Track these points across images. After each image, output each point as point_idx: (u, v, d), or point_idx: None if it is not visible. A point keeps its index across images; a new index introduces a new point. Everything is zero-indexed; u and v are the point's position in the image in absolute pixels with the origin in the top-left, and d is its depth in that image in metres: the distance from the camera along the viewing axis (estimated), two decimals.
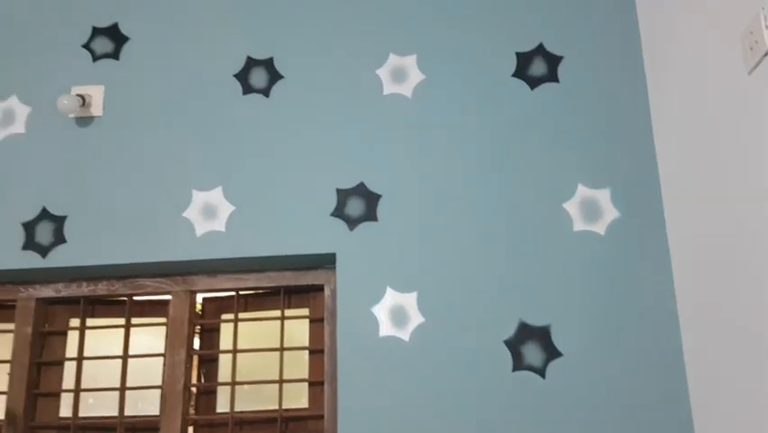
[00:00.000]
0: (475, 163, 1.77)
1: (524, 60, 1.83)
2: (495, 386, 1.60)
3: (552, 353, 1.62)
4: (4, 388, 1.79)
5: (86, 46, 1.91)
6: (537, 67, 1.82)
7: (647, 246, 1.67)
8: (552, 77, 1.81)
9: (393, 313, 1.68)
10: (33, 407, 1.81)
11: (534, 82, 1.81)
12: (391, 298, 1.69)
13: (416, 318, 1.67)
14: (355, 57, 1.86)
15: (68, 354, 1.87)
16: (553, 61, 1.82)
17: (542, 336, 1.63)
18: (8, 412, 1.76)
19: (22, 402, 1.77)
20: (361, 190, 1.77)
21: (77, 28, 1.92)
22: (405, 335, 1.66)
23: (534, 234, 1.70)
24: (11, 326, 1.85)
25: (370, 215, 1.75)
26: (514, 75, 1.82)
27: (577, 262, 1.68)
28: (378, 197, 1.76)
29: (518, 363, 1.62)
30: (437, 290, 1.68)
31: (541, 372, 1.61)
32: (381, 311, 1.68)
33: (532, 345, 1.63)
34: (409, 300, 1.68)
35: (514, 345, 1.63)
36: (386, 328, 1.67)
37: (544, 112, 1.79)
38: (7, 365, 1.81)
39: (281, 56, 1.88)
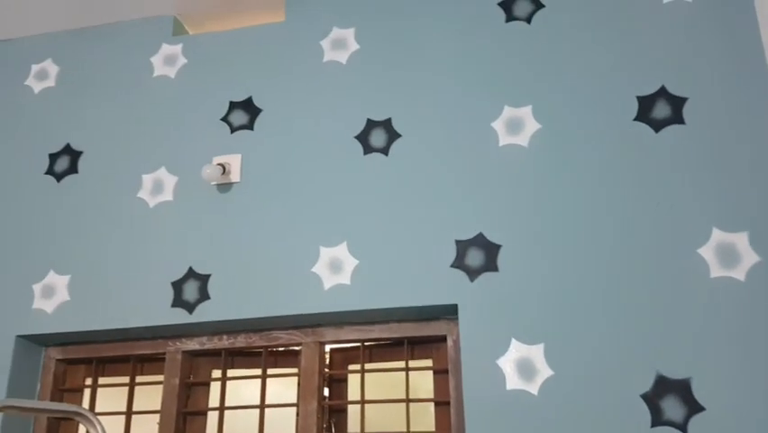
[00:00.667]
0: (599, 210, 1.73)
1: (646, 103, 1.79)
2: None
3: (693, 407, 1.52)
4: None
5: (225, 119, 2.11)
6: (661, 109, 1.78)
7: None
8: (677, 118, 1.76)
9: (519, 365, 1.66)
10: None
11: (658, 125, 1.77)
12: (516, 350, 1.67)
13: (545, 371, 1.64)
14: (469, 111, 1.92)
15: (210, 404, 2.01)
16: (678, 103, 1.77)
17: (682, 389, 1.54)
18: None
19: None
20: (481, 241, 1.79)
21: (217, 103, 2.13)
22: (533, 388, 1.63)
23: (668, 282, 1.63)
24: (160, 377, 2.02)
25: (491, 265, 1.76)
26: (636, 119, 1.79)
27: (716, 310, 1.58)
28: (498, 247, 1.77)
29: (657, 419, 1.53)
30: (565, 341, 1.64)
31: (682, 427, 1.51)
32: (507, 363, 1.67)
33: (671, 399, 1.54)
34: (536, 352, 1.66)
35: (651, 399, 1.55)
36: (513, 381, 1.65)
37: (670, 155, 1.73)
38: (157, 416, 1.97)
39: (399, 116, 1.97)
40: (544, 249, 1.74)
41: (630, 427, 1.54)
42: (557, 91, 1.87)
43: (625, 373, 1.58)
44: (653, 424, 1.53)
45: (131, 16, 2.27)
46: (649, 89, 1.80)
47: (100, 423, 1.70)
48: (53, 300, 2.01)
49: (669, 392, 1.54)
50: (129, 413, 2.00)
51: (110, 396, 2.08)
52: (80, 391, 2.08)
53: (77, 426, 2.07)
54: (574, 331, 1.65)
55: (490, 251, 1.77)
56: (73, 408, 1.69)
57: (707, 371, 1.54)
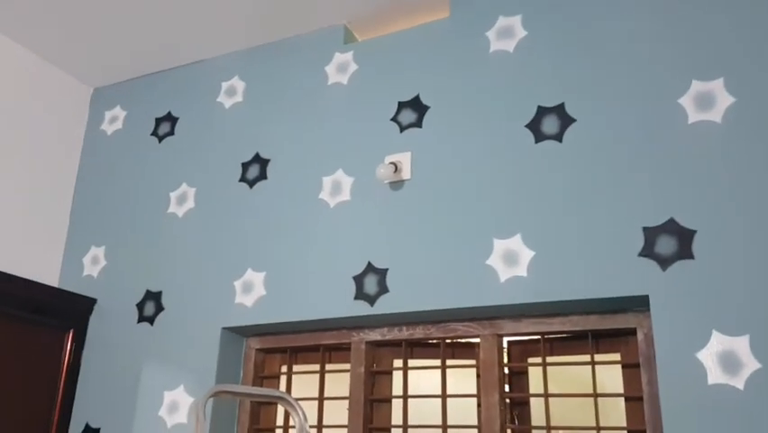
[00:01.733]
0: None
1: None
2: None
3: None
4: (345, 422, 2.07)
5: (394, 119, 2.18)
6: None
7: None
8: None
9: (722, 359, 1.53)
10: None
11: None
12: (718, 342, 1.55)
13: (751, 364, 1.50)
14: (652, 89, 1.80)
15: (394, 390, 2.09)
16: None
17: None
18: None
19: None
20: (672, 227, 1.67)
21: (386, 104, 2.20)
22: (739, 383, 1.50)
23: None
24: (346, 366, 2.15)
25: (685, 252, 1.64)
26: None
27: None
28: (692, 232, 1.65)
29: None
30: None
31: None
32: (708, 357, 1.55)
33: None
34: (741, 344, 1.52)
35: None
36: (715, 375, 1.53)
37: None
38: (346, 401, 2.09)
39: (572, 100, 1.91)
40: (743, 232, 1.59)
41: None
42: (752, 60, 1.69)
43: None
44: None
45: (305, 29, 2.43)
46: None
47: (301, 408, 1.84)
48: (252, 295, 2.21)
49: None
50: (321, 399, 2.14)
51: (302, 383, 2.25)
52: (277, 377, 2.26)
53: (276, 411, 2.26)
54: None
55: (684, 237, 1.65)
56: (278, 393, 1.84)
57: None
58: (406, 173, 2.09)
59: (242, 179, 2.38)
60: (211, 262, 2.32)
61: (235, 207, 2.36)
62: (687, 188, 1.69)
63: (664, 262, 1.66)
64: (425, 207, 2.03)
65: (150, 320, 2.35)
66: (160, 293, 2.37)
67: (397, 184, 2.10)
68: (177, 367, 2.24)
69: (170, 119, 2.62)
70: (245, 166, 2.38)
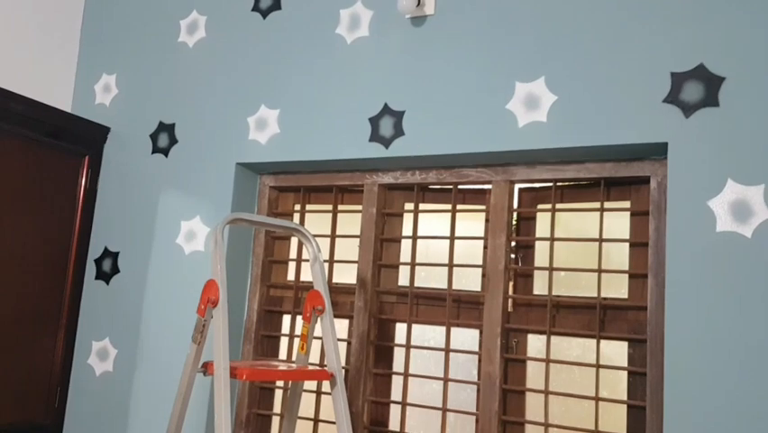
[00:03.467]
0: None
1: None
2: None
3: None
4: (356, 258, 2.14)
5: None
6: None
7: None
8: None
9: (734, 207, 1.54)
10: (378, 275, 2.13)
11: None
12: (732, 190, 1.55)
13: (763, 213, 1.51)
14: None
15: (404, 233, 2.15)
16: None
17: None
18: (359, 278, 2.11)
19: (370, 271, 2.10)
20: (701, 73, 1.61)
21: None
22: (747, 231, 1.52)
23: None
24: (358, 207, 2.19)
25: (711, 100, 1.60)
26: None
27: None
28: (721, 79, 1.59)
29: None
30: None
31: None
32: (720, 205, 1.56)
33: None
34: (754, 193, 1.52)
35: None
36: (724, 223, 1.55)
37: None
38: (357, 240, 2.15)
39: None
40: None
41: None
42: None
43: None
44: None
45: None
46: None
47: (315, 240, 1.90)
48: (266, 132, 2.20)
49: None
50: (333, 236, 2.21)
51: (315, 222, 2.31)
52: (290, 215, 2.32)
53: (289, 245, 2.34)
54: None
55: (712, 84, 1.60)
56: (294, 225, 1.91)
57: None
58: (429, 8, 1.99)
59: (255, 8, 2.28)
60: (223, 96, 2.29)
61: (247, 38, 2.28)
62: (719, 33, 1.60)
63: (689, 109, 1.62)
64: (446, 46, 1.96)
65: (165, 152, 2.37)
66: (173, 125, 2.37)
67: (419, 20, 2.01)
68: (193, 199, 2.29)
69: None
70: None
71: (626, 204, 1.84)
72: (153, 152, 2.40)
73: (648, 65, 1.68)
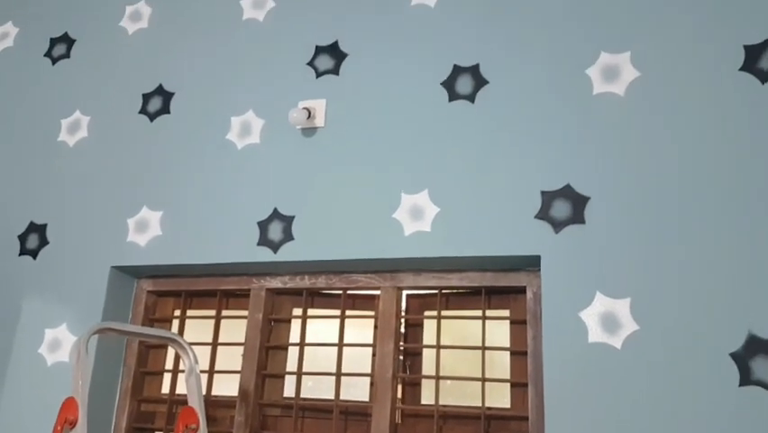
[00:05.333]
0: (697, 163, 1.66)
1: (753, 53, 1.69)
2: (718, 402, 1.49)
3: None
4: (239, 368, 2.04)
5: (311, 63, 2.12)
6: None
7: None
8: None
9: (603, 319, 1.64)
10: (262, 386, 2.03)
11: (765, 76, 1.66)
12: (601, 303, 1.65)
13: (630, 326, 1.61)
14: (562, 58, 1.85)
15: (291, 340, 2.09)
16: None
17: None
18: (241, 390, 2.00)
19: (253, 381, 2.00)
20: (568, 192, 1.75)
21: (303, 47, 2.14)
22: (617, 342, 1.61)
23: (765, 239, 1.56)
24: (244, 312, 2.11)
25: (577, 217, 1.73)
26: (742, 69, 1.69)
27: None
28: (585, 199, 1.73)
29: (746, 378, 1.49)
30: (653, 296, 1.61)
31: None
32: (590, 317, 1.65)
33: (762, 359, 1.49)
34: (621, 306, 1.63)
35: (742, 358, 1.50)
36: (595, 334, 1.63)
37: None
38: (241, 348, 2.06)
39: (486, 62, 1.93)
40: (633, 202, 1.68)
41: (717, 385, 1.50)
42: (657, 37, 1.78)
43: (714, 331, 1.54)
44: (742, 383, 1.49)
45: None
46: (758, 38, 1.69)
47: (192, 350, 1.80)
48: (146, 234, 2.11)
49: (760, 352, 1.49)
50: (215, 344, 2.10)
51: (196, 329, 2.19)
52: (169, 321, 2.20)
53: (166, 354, 2.20)
54: (663, 286, 1.60)
55: (578, 202, 1.74)
56: (169, 334, 1.81)
57: None
58: (319, 120, 2.05)
59: (143, 111, 2.24)
60: (103, 197, 2.20)
61: (133, 140, 2.23)
62: (586, 156, 1.76)
63: (558, 225, 1.74)
64: (336, 157, 2.01)
65: (33, 254, 2.20)
66: (45, 226, 2.22)
67: (309, 131, 2.06)
68: (60, 305, 2.12)
69: (67, 40, 2.42)
70: (146, 97, 2.25)
71: (506, 312, 1.91)
72: (20, 254, 2.22)
73: (521, 183, 1.80)
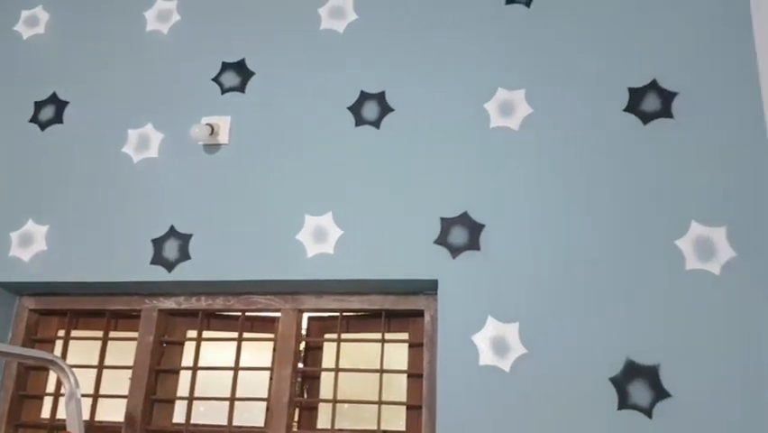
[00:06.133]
0: (583, 196, 1.76)
1: (636, 95, 1.82)
2: (598, 424, 1.57)
3: (660, 393, 1.56)
4: (126, 392, 1.94)
5: (216, 79, 2.09)
6: (650, 102, 1.81)
7: (766, 288, 1.59)
8: (665, 112, 1.79)
9: (494, 343, 1.69)
10: (150, 411, 1.94)
11: (646, 117, 1.80)
12: (492, 327, 1.70)
13: (518, 349, 1.67)
14: (463, 91, 1.92)
15: (183, 364, 2.01)
16: (668, 97, 1.80)
17: (650, 375, 1.58)
18: (128, 416, 1.90)
19: (140, 407, 1.91)
20: (465, 220, 1.80)
21: (209, 63, 2.10)
22: (506, 365, 1.66)
23: (645, 271, 1.67)
24: (134, 334, 2.02)
25: (473, 244, 1.78)
26: (625, 109, 1.82)
27: (689, 302, 1.62)
28: (481, 226, 1.79)
29: (624, 402, 1.58)
30: (540, 322, 1.68)
31: (647, 412, 1.56)
32: (482, 340, 1.70)
33: (639, 384, 1.58)
34: (511, 331, 1.69)
35: (620, 382, 1.59)
36: (486, 357, 1.68)
37: (657, 147, 1.76)
38: (129, 371, 1.96)
39: (392, 90, 1.97)
40: (526, 232, 1.76)
41: (597, 408, 1.58)
42: (550, 77, 1.89)
43: (596, 357, 1.62)
44: (620, 407, 1.58)
45: None
46: (640, 82, 1.83)
47: (73, 373, 1.70)
48: (30, 249, 1.98)
49: (637, 377, 1.59)
50: (101, 367, 1.99)
51: (82, 350, 2.07)
52: (52, 342, 2.06)
53: (47, 377, 2.06)
54: (550, 313, 1.68)
55: (474, 230, 1.79)
56: (48, 356, 1.69)
57: (676, 359, 1.58)
58: (223, 137, 2.01)
59: (34, 119, 2.12)
60: None
61: (22, 149, 2.10)
62: (483, 185, 1.83)
63: (455, 251, 1.78)
64: (239, 175, 1.97)
65: None
66: None
67: (212, 147, 2.01)
68: None
69: None
70: (38, 105, 2.13)
71: (405, 335, 1.93)
72: None
73: (422, 209, 1.84)
